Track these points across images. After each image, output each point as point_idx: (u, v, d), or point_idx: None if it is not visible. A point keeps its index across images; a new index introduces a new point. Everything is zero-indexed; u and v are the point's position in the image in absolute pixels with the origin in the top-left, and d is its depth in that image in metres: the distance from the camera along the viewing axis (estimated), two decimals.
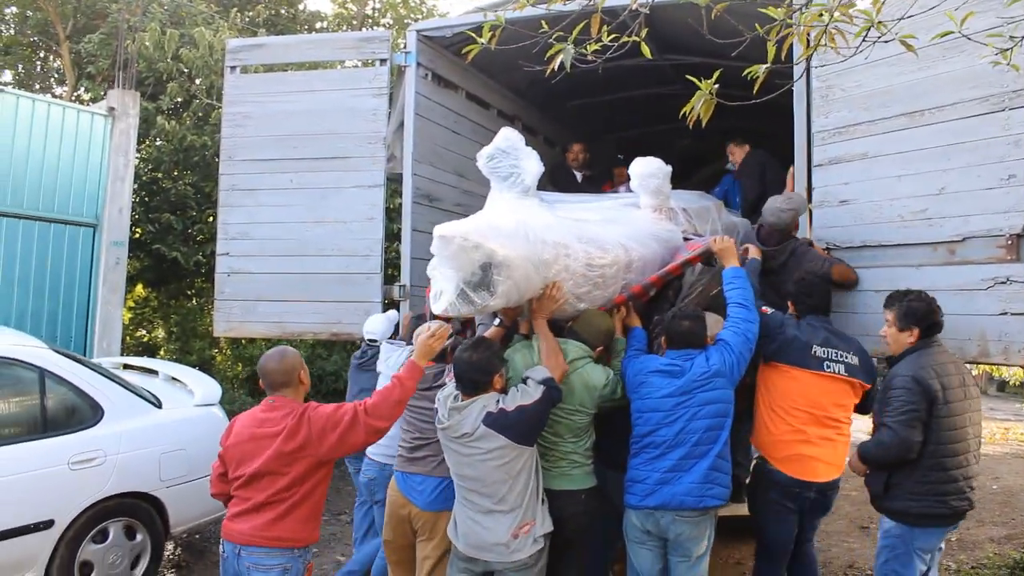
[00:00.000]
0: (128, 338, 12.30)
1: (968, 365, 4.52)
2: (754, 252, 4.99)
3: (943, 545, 4.41)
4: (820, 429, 4.41)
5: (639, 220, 5.02)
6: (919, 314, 4.14)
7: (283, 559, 3.52)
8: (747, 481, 4.96)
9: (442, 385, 4.29)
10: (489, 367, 3.94)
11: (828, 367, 4.40)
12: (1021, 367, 11.50)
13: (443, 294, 3.89)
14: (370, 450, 5.03)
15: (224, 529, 3.66)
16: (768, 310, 4.59)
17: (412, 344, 4.57)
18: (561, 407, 4.08)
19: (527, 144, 4.66)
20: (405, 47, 6.67)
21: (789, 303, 4.75)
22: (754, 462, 4.70)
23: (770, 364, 4.52)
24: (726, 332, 4.28)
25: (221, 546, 3.67)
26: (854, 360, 4.46)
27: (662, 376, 4.17)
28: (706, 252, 4.74)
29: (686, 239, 5.12)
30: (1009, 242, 4.45)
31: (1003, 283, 4.45)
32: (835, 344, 4.46)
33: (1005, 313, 4.44)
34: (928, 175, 4.78)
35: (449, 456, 4.02)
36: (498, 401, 3.87)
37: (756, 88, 3.01)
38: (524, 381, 3.98)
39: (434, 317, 4.64)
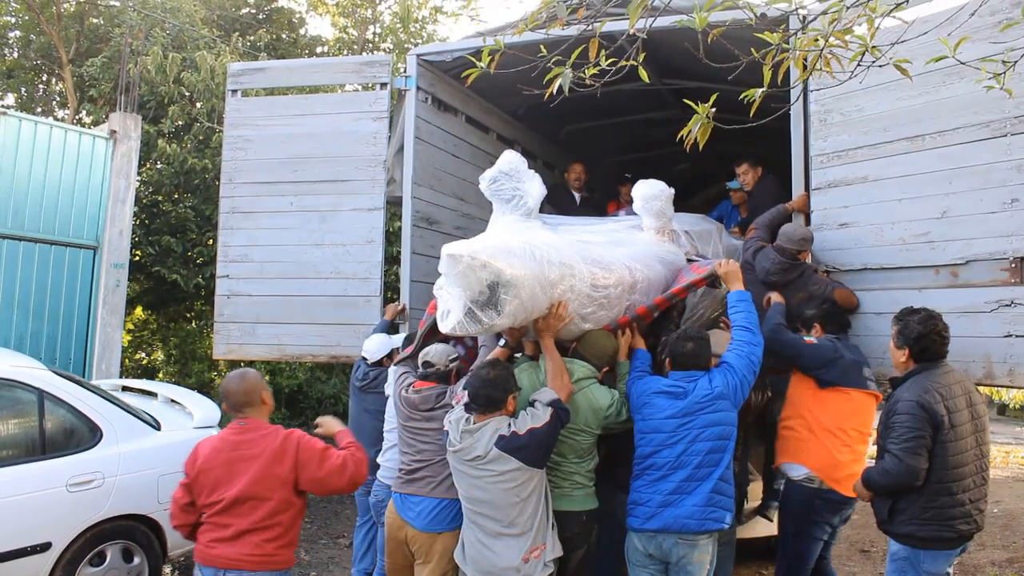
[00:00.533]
0: (127, 360, 12.31)
1: None
2: (776, 298, 5.05)
3: (950, 571, 4.36)
4: (863, 446, 4.61)
5: (643, 242, 5.06)
6: (911, 336, 4.05)
7: None
8: (775, 500, 5.03)
9: (444, 407, 4.31)
10: (506, 385, 3.99)
11: (870, 385, 4.58)
12: None
13: (451, 313, 3.92)
14: (381, 473, 5.06)
15: (200, 554, 3.61)
16: (812, 339, 4.69)
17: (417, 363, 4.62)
18: (566, 427, 4.08)
19: (535, 173, 4.72)
20: (405, 71, 6.72)
21: (817, 325, 4.85)
22: (798, 482, 4.65)
23: (830, 388, 4.59)
24: (730, 355, 4.28)
25: (197, 571, 3.63)
26: (872, 375, 4.64)
27: (665, 397, 4.17)
28: (711, 275, 4.76)
29: (690, 261, 5.14)
30: (1013, 265, 4.50)
31: (1008, 306, 4.49)
32: (867, 362, 4.66)
33: (1010, 335, 4.47)
34: (930, 199, 4.83)
35: (459, 479, 4.02)
36: (509, 424, 3.89)
37: (752, 111, 3.04)
38: (532, 404, 4.00)
39: (432, 335, 4.67)
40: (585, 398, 4.23)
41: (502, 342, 4.44)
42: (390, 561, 4.53)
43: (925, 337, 4.03)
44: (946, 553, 4.07)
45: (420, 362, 4.58)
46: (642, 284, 4.63)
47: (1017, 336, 4.48)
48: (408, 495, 4.40)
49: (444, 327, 3.99)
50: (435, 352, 4.56)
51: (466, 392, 4.08)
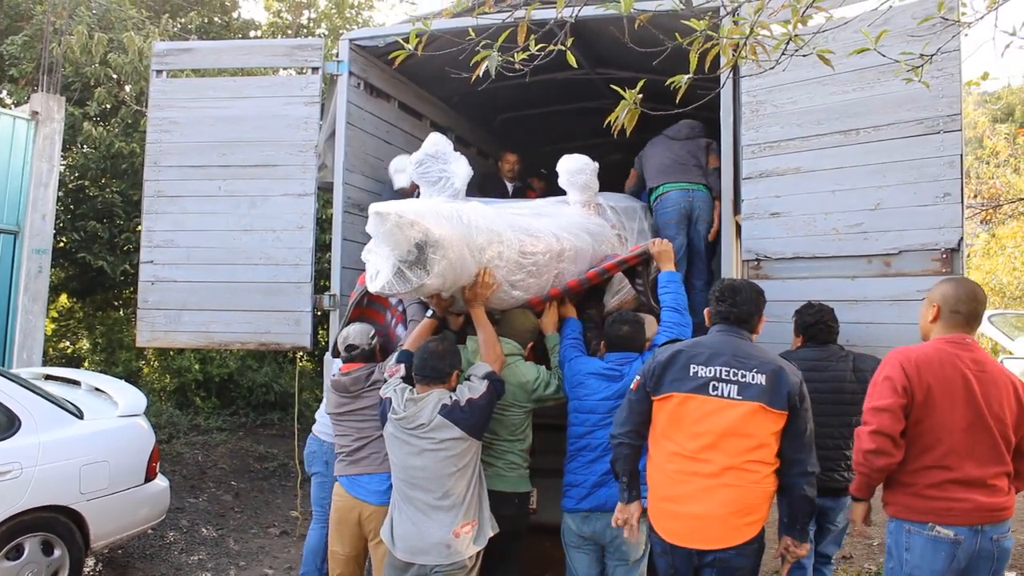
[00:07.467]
0: (51, 349, 11.96)
1: None
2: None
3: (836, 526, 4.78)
4: None
5: (569, 214, 5.15)
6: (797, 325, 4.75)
7: None
8: None
9: (375, 384, 4.37)
10: (452, 359, 4.07)
11: None
12: None
13: (380, 274, 3.90)
14: (316, 427, 5.13)
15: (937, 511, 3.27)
16: None
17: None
18: (497, 404, 4.14)
19: (460, 154, 4.74)
20: (338, 56, 6.64)
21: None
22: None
23: None
24: (659, 337, 4.34)
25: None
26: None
27: (600, 379, 4.23)
28: (644, 253, 4.81)
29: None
30: (944, 255, 4.70)
31: None
32: None
33: None
34: (864, 191, 4.99)
35: (397, 447, 4.01)
36: (451, 396, 3.95)
37: (679, 97, 3.08)
38: (467, 378, 4.08)
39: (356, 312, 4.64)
40: (511, 373, 4.29)
41: (429, 312, 4.47)
42: (340, 548, 4.54)
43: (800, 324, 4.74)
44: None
45: (342, 346, 4.62)
46: (570, 252, 4.69)
47: None
48: (356, 475, 4.45)
49: (373, 287, 3.97)
50: (355, 333, 4.62)
51: (402, 365, 4.15)
